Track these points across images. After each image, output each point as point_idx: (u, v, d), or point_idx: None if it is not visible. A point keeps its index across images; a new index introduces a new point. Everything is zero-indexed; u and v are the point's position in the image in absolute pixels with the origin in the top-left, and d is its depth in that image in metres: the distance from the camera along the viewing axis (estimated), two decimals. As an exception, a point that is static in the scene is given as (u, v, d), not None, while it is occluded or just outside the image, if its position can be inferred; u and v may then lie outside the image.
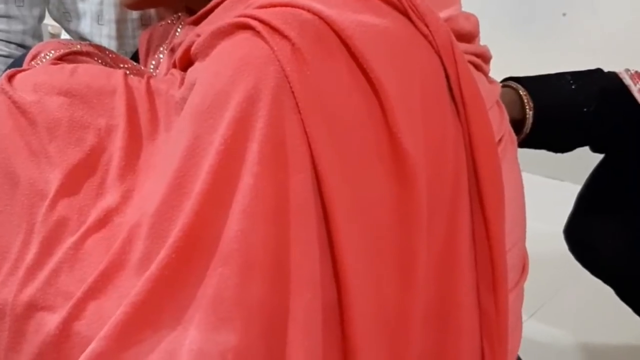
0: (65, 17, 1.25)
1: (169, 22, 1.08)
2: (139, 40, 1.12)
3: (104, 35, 1.22)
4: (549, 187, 2.11)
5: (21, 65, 1.00)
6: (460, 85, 0.89)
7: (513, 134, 1.02)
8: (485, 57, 1.01)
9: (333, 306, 0.80)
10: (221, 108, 0.78)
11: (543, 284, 1.62)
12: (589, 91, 1.15)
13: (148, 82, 0.92)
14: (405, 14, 0.88)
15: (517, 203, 0.99)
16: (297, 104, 0.78)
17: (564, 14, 2.22)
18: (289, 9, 0.81)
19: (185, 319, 0.76)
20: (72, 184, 0.85)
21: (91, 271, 0.80)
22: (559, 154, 1.23)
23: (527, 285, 1.01)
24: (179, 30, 1.04)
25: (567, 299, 1.71)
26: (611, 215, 1.25)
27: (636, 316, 1.30)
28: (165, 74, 0.98)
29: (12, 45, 1.22)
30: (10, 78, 0.91)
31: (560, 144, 1.19)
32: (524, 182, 1.01)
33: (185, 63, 0.90)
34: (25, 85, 0.90)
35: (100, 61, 1.02)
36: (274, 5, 0.82)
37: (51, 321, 0.79)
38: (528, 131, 1.14)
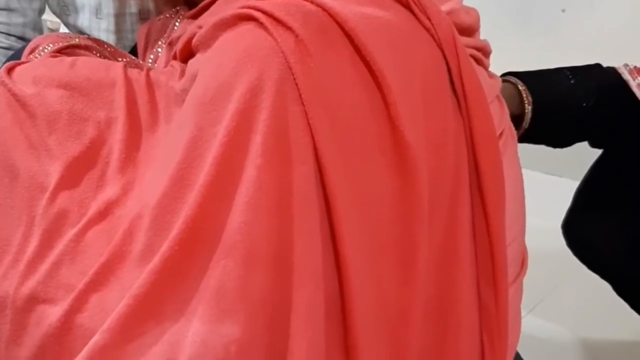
0: (64, 10, 1.25)
1: (168, 16, 1.08)
2: (138, 34, 1.11)
3: (103, 29, 1.22)
4: (548, 183, 2.12)
5: (20, 58, 0.99)
6: (462, 78, 0.89)
7: (513, 129, 1.02)
8: (485, 51, 1.02)
9: (335, 298, 0.80)
10: (224, 100, 0.78)
11: (541, 280, 1.62)
12: (588, 86, 1.15)
13: (147, 74, 0.91)
14: (407, 6, 0.88)
15: (517, 197, 0.99)
16: (300, 95, 0.78)
17: (563, 10, 2.22)
18: (292, 0, 0.81)
19: (189, 311, 0.76)
20: (72, 177, 0.85)
21: (92, 263, 0.80)
22: (557, 150, 1.23)
23: (526, 281, 1.01)
24: (177, 24, 1.04)
25: (566, 295, 1.71)
26: (609, 210, 1.25)
27: (634, 312, 1.30)
28: (164, 68, 0.97)
29: (12, 38, 1.21)
30: (9, 71, 0.91)
31: (559, 139, 1.19)
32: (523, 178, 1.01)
33: (186, 55, 0.90)
34: (24, 78, 0.89)
35: (98, 55, 1.02)
36: None
37: (53, 314, 0.79)
38: (527, 126, 1.14)
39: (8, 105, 0.88)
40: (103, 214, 0.83)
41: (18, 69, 0.91)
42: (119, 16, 1.22)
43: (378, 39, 0.82)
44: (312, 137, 0.78)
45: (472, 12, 1.01)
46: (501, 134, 0.97)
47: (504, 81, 1.13)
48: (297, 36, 0.79)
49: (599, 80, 1.15)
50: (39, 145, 0.86)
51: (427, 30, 0.88)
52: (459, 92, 0.89)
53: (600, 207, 1.26)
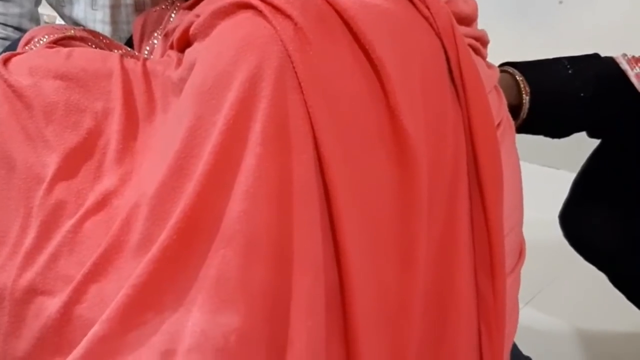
0: (59, 2, 1.24)
1: (163, 7, 1.08)
2: (133, 26, 1.11)
3: (98, 21, 1.22)
4: (545, 175, 2.12)
5: (15, 50, 0.99)
6: (460, 68, 0.89)
7: (511, 119, 1.02)
8: (483, 41, 1.01)
9: (334, 288, 0.80)
10: (224, 88, 0.77)
11: (539, 272, 1.62)
12: (586, 76, 1.15)
13: (144, 64, 0.91)
14: None
15: (515, 188, 0.99)
16: (299, 84, 0.78)
17: (560, 2, 2.22)
18: None
19: (188, 300, 0.76)
20: (69, 168, 0.85)
21: (90, 254, 0.80)
22: (554, 142, 1.23)
23: (523, 273, 1.01)
24: (173, 15, 1.03)
25: (563, 286, 1.71)
26: (606, 201, 1.25)
27: (631, 304, 1.30)
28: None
29: (9, 28, 1.21)
30: (5, 62, 0.90)
31: (557, 130, 1.19)
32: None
33: (183, 44, 0.90)
34: (21, 69, 0.89)
35: (94, 46, 1.01)
36: None
37: (52, 305, 0.79)
38: (525, 116, 1.13)
39: (4, 97, 0.87)
40: (101, 204, 0.83)
41: (14, 59, 0.91)
42: (115, 7, 1.21)
43: (377, 28, 0.82)
44: (312, 126, 0.78)
45: (470, 2, 1.01)
46: (499, 124, 0.97)
47: (501, 71, 1.12)
48: (296, 24, 0.79)
49: (597, 70, 1.15)
50: (36, 136, 0.86)
51: (426, 19, 0.88)
52: (457, 81, 0.89)
53: (598, 198, 1.26)
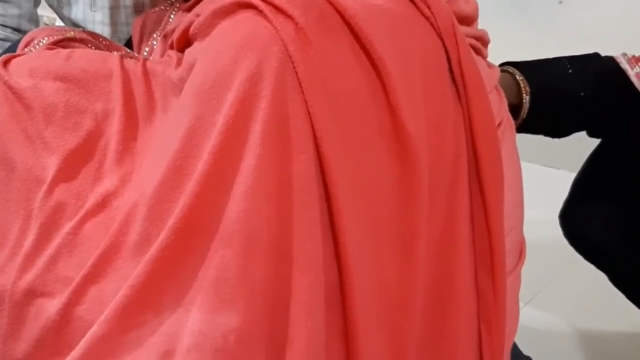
0: (59, 3, 1.24)
1: (163, 8, 1.08)
2: (132, 27, 1.11)
3: (98, 22, 1.22)
4: (545, 175, 2.12)
5: (15, 52, 0.99)
6: (461, 67, 0.89)
7: (511, 119, 1.02)
8: (484, 41, 1.02)
9: (335, 287, 0.80)
10: (224, 88, 0.77)
11: (539, 272, 1.62)
12: (586, 75, 1.14)
13: (144, 64, 0.91)
14: None
15: (515, 187, 0.99)
16: (300, 84, 0.78)
17: (560, 2, 2.22)
18: None
19: (187, 300, 0.76)
20: (69, 169, 0.85)
21: (90, 255, 0.80)
22: (555, 142, 1.23)
23: (524, 272, 1.01)
24: (172, 16, 1.03)
25: (563, 286, 1.71)
26: (607, 201, 1.25)
27: (631, 303, 1.30)
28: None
29: (8, 29, 1.21)
30: (5, 63, 0.90)
31: (557, 129, 1.19)
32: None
33: (183, 43, 0.90)
34: (21, 71, 0.89)
35: (93, 48, 1.02)
36: None
37: (51, 307, 0.79)
38: (525, 116, 1.13)
39: (4, 98, 0.87)
40: (101, 205, 0.83)
41: (14, 61, 0.91)
42: (114, 8, 1.21)
43: (378, 27, 0.82)
44: (312, 126, 0.78)
45: (471, 1, 1.01)
46: (500, 124, 0.97)
47: (501, 71, 1.12)
48: (296, 24, 0.79)
49: (597, 70, 1.15)
50: (36, 138, 0.86)
51: (427, 19, 0.88)
52: (458, 81, 0.89)
53: (598, 197, 1.26)
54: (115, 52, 1.02)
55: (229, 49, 0.78)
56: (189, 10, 0.97)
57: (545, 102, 1.13)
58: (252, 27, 0.79)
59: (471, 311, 0.90)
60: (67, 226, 0.82)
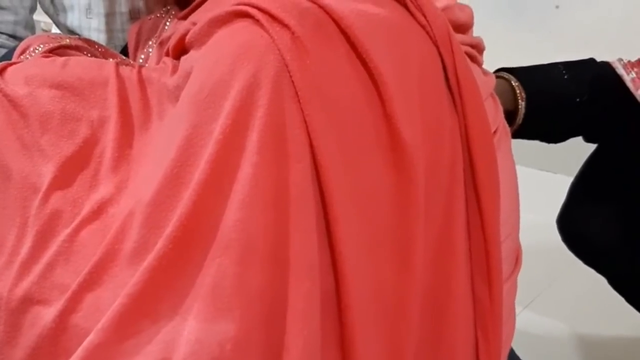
0: (55, 10, 1.24)
1: (159, 15, 1.08)
2: (128, 34, 1.11)
3: (93, 29, 1.22)
4: (542, 179, 2.12)
5: (10, 59, 0.99)
6: (457, 76, 0.89)
7: (507, 126, 1.02)
8: (479, 48, 1.02)
9: (331, 295, 0.79)
10: (221, 97, 0.77)
11: (537, 276, 1.63)
12: (582, 81, 1.15)
13: (139, 72, 0.91)
14: (403, 3, 0.88)
15: (511, 194, 0.99)
16: (296, 92, 0.78)
17: (557, 7, 2.22)
18: None
19: (184, 309, 0.75)
20: (65, 177, 0.85)
21: (86, 263, 0.80)
22: (551, 146, 1.23)
23: (521, 276, 1.01)
24: (168, 23, 1.04)
25: (561, 290, 1.72)
26: (604, 204, 1.25)
27: (630, 306, 1.30)
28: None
29: (4, 36, 1.21)
30: (1, 71, 0.90)
31: (553, 135, 1.19)
32: (517, 174, 1.01)
33: (179, 51, 0.90)
34: (16, 79, 0.89)
35: (89, 55, 1.02)
36: None
37: (47, 314, 0.79)
38: (520, 122, 1.13)
39: (0, 106, 0.87)
40: (97, 213, 0.83)
41: (10, 69, 0.91)
42: (110, 15, 1.21)
43: (374, 36, 0.82)
44: (309, 135, 0.78)
45: (467, 9, 1.01)
46: (495, 131, 0.97)
47: (497, 77, 1.12)
48: (293, 33, 0.79)
49: (593, 75, 1.15)
50: (32, 145, 0.86)
51: (423, 27, 0.88)
52: (454, 89, 0.89)
53: (595, 201, 1.26)
54: (111, 59, 1.02)
55: (226, 57, 0.78)
56: (184, 18, 0.97)
57: (541, 108, 1.13)
58: (249, 36, 0.79)
59: (468, 317, 0.90)
60: (64, 234, 0.82)
